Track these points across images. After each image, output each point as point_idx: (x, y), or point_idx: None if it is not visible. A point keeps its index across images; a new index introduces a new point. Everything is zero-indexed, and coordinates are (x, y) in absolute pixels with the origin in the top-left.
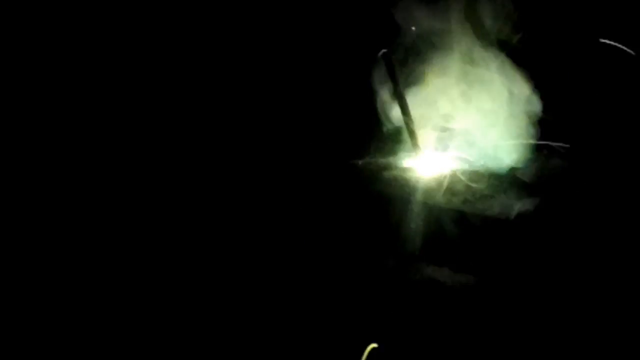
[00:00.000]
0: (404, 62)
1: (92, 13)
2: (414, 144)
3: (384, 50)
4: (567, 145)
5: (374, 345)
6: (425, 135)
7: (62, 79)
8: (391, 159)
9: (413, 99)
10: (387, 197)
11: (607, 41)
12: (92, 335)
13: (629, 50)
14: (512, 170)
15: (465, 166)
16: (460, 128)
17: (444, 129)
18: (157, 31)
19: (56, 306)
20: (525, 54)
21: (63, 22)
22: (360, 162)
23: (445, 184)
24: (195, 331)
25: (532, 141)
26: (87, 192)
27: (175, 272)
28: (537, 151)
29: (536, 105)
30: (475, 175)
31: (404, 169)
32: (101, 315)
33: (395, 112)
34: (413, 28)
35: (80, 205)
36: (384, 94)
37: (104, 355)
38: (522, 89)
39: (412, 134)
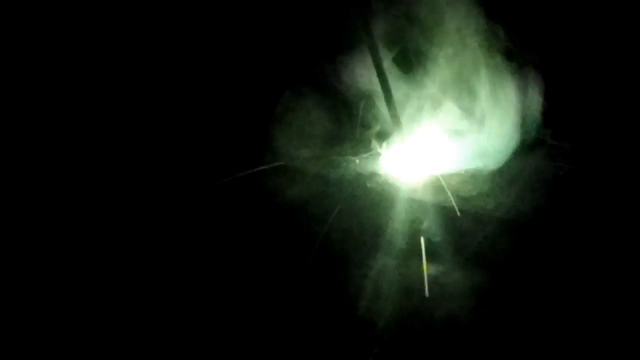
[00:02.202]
0: (392, 61)
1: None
2: (402, 144)
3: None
4: (560, 143)
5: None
6: (415, 134)
7: (56, 79)
8: (381, 159)
9: (401, 97)
10: (377, 197)
11: None
12: (91, 334)
13: None
14: (504, 168)
15: (457, 165)
16: (452, 127)
17: (434, 129)
18: None
19: (56, 306)
20: (516, 50)
21: (63, 22)
22: (349, 162)
23: (435, 183)
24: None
25: (525, 139)
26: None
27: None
28: (530, 149)
29: (529, 103)
30: (467, 174)
31: (393, 169)
32: (95, 315)
33: (384, 112)
34: None
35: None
36: (372, 95)
37: (104, 355)
38: (514, 86)
39: (400, 133)
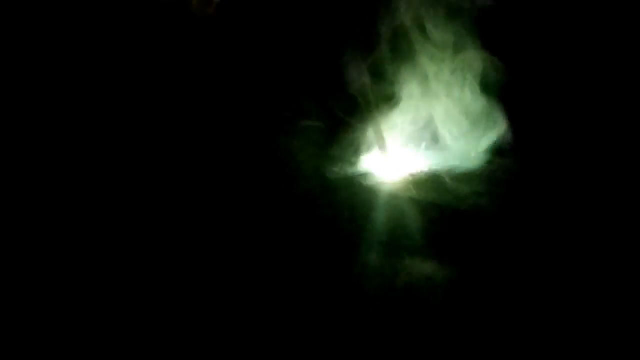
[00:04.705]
0: (374, 62)
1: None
2: (381, 145)
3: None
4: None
5: None
6: (395, 135)
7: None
8: (376, 160)
9: (382, 98)
10: (373, 196)
11: None
12: (91, 335)
13: None
14: (495, 168)
15: (451, 166)
16: (430, 127)
17: (413, 130)
18: None
19: (55, 306)
20: (499, 52)
21: (62, 22)
22: (346, 163)
23: (429, 183)
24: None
25: (504, 139)
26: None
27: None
28: (508, 149)
29: (507, 105)
30: (461, 174)
31: (389, 169)
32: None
33: (363, 113)
34: None
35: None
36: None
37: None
38: (494, 88)
39: (379, 134)
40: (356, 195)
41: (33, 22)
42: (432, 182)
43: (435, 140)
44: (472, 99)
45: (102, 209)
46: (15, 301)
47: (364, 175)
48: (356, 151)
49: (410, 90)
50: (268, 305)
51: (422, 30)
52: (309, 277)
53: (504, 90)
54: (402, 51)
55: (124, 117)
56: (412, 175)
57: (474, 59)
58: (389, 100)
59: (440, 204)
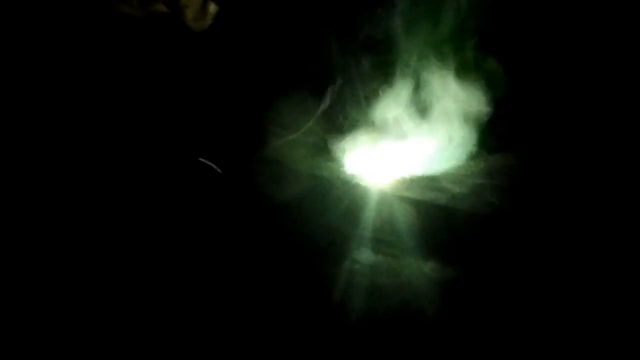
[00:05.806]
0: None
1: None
2: (375, 145)
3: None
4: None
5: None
6: (390, 134)
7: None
8: (371, 160)
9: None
10: (368, 196)
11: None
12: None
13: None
14: (493, 168)
15: (448, 165)
16: (441, 129)
17: (423, 131)
18: None
19: (54, 306)
20: (497, 52)
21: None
22: (341, 162)
23: (425, 182)
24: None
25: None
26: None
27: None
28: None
29: (505, 104)
30: (458, 173)
31: (384, 169)
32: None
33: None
34: None
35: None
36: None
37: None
38: (493, 88)
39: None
40: (350, 195)
41: (27, 35)
42: (427, 182)
43: (431, 139)
44: (470, 98)
45: (98, 214)
46: (14, 301)
47: (359, 175)
48: (350, 151)
49: (406, 90)
50: (261, 305)
51: (419, 29)
52: (303, 277)
53: (502, 90)
54: (397, 50)
55: (119, 127)
56: (407, 175)
57: (472, 59)
58: (383, 99)
59: (436, 203)
